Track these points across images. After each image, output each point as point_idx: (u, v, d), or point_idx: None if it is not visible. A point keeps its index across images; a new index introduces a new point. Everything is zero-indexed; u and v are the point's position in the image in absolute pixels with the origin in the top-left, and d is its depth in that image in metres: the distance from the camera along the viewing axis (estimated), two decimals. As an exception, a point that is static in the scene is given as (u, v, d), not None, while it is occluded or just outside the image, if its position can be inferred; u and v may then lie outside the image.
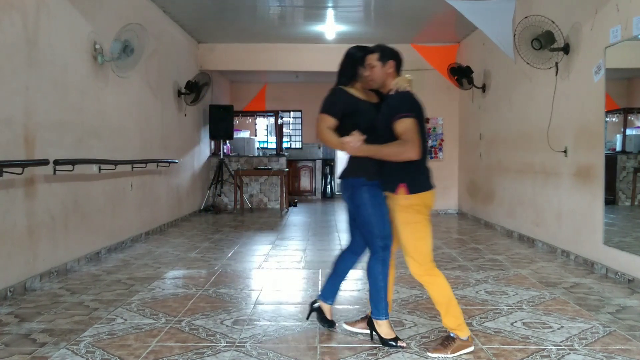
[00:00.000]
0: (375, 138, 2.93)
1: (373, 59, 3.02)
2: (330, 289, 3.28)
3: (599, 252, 4.89)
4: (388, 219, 3.02)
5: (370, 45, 3.13)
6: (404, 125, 2.83)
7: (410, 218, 2.91)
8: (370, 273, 3.05)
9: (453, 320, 2.91)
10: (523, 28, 5.48)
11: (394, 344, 2.98)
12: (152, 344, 3.03)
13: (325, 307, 3.28)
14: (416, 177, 2.94)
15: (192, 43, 9.40)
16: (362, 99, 3.07)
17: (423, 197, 2.93)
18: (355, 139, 2.89)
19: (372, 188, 3.01)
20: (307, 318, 3.39)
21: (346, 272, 3.28)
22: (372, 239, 3.02)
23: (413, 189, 2.91)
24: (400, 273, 4.33)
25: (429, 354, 2.91)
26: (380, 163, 2.97)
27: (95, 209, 5.44)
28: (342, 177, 3.13)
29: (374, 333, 3.08)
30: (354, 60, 3.09)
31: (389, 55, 3.04)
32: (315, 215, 9.81)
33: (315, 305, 3.31)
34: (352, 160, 3.08)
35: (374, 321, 3.05)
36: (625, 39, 4.48)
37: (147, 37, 5.90)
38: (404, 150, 2.82)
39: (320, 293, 3.34)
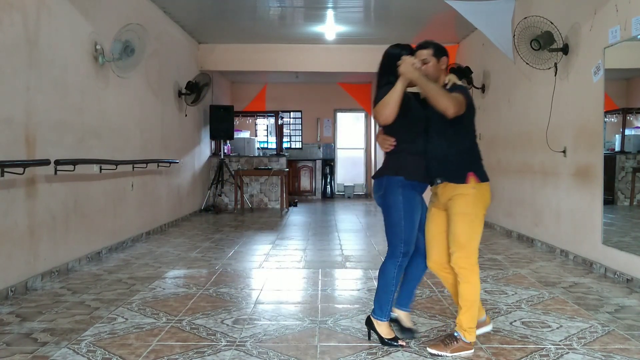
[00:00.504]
0: (424, 134, 2.93)
1: (427, 54, 2.97)
2: (405, 295, 3.14)
3: (597, 252, 4.91)
4: (417, 225, 2.99)
5: (404, 43, 3.08)
6: (457, 94, 2.82)
7: (471, 209, 2.89)
8: (384, 275, 3.00)
9: (469, 320, 2.90)
10: (522, 29, 5.49)
11: (394, 343, 2.99)
12: (153, 343, 3.05)
13: (402, 314, 3.16)
14: (481, 167, 2.98)
15: (192, 43, 9.41)
16: (412, 97, 3.00)
17: (486, 188, 2.95)
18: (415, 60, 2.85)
19: (408, 190, 2.94)
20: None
21: (418, 271, 3.14)
22: (396, 242, 2.95)
23: (481, 177, 2.93)
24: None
25: (428, 349, 2.92)
26: (422, 161, 2.95)
27: (96, 209, 5.46)
28: (376, 175, 3.05)
29: (372, 332, 3.08)
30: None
31: (442, 51, 3.02)
32: (315, 215, 9.83)
33: (393, 315, 3.16)
34: (390, 158, 3.02)
35: (374, 320, 3.04)
36: (624, 40, 4.49)
37: (148, 37, 5.91)
38: (449, 99, 2.75)
39: (395, 302, 3.13)
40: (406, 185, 2.94)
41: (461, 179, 2.91)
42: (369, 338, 3.10)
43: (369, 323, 3.09)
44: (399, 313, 3.17)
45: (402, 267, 2.99)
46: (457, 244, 2.90)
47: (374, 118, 2.94)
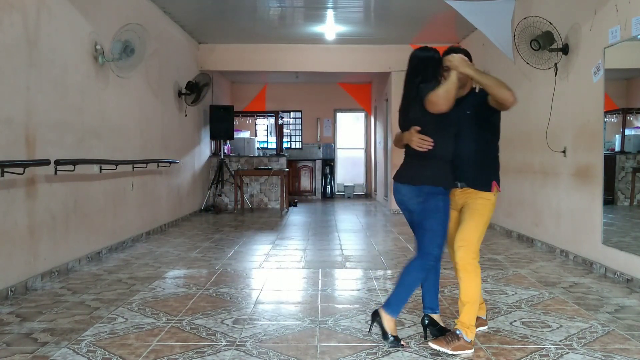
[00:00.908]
0: (454, 135, 3.00)
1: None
2: (431, 298, 3.15)
3: (597, 252, 4.91)
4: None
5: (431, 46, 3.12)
6: None
7: (488, 212, 3.06)
8: (412, 275, 3.01)
9: (471, 318, 2.93)
10: (522, 29, 5.49)
11: (396, 342, 2.98)
12: (153, 343, 3.05)
13: (436, 317, 3.16)
14: (499, 175, 3.13)
15: (192, 43, 9.41)
16: None
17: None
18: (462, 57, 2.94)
19: (446, 197, 3.03)
20: (425, 338, 3.16)
21: (437, 274, 3.16)
22: (431, 246, 2.98)
23: (499, 186, 3.10)
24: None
25: (430, 343, 2.94)
26: (452, 167, 3.02)
27: (96, 209, 5.46)
28: (413, 182, 3.02)
29: (374, 325, 3.06)
30: (436, 61, 3.02)
31: (470, 58, 3.08)
32: (315, 215, 9.83)
33: (427, 322, 3.17)
34: (426, 166, 3.01)
35: (385, 315, 3.00)
36: (624, 40, 4.49)
37: (148, 37, 5.91)
38: (509, 89, 2.82)
39: (424, 307, 3.17)
40: (445, 193, 3.03)
41: (486, 187, 3.05)
42: (370, 330, 3.11)
43: (375, 315, 3.06)
44: (432, 317, 3.15)
45: (428, 271, 3.04)
46: (466, 239, 2.97)
47: (431, 108, 2.88)
